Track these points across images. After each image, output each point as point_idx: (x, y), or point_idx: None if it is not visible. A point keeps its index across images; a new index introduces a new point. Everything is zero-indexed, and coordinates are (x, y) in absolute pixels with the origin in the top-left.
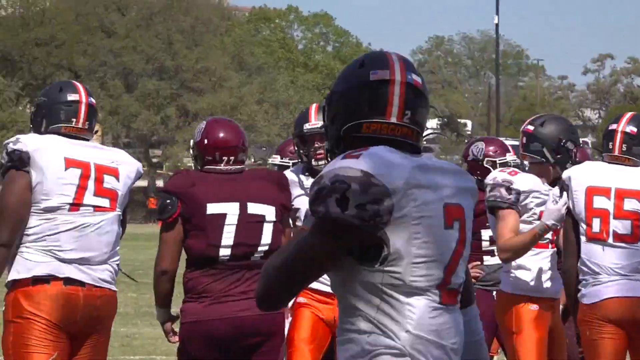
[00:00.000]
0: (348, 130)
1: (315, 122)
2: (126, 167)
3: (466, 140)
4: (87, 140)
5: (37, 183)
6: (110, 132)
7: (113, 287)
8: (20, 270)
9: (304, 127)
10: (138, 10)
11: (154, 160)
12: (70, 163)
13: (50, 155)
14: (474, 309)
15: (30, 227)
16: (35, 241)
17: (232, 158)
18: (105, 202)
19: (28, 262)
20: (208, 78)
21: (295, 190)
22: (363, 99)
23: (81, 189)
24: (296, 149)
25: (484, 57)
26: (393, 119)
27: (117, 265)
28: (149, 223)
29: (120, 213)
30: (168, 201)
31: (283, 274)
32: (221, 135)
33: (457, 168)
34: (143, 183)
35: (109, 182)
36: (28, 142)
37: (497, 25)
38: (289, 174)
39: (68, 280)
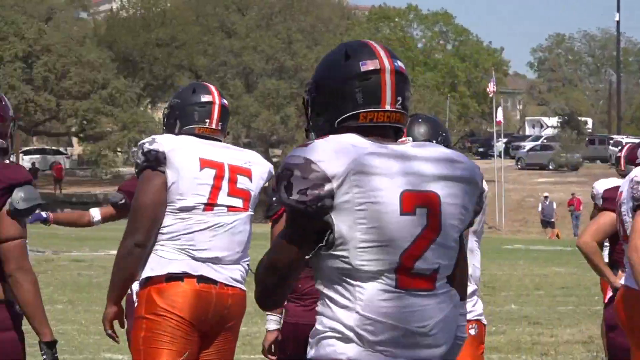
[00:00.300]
0: (342, 121)
1: None
2: (259, 168)
3: (587, 138)
4: (220, 141)
5: (172, 183)
6: (231, 132)
7: (243, 287)
8: (154, 267)
9: None
10: (258, 10)
11: (274, 159)
12: (205, 163)
13: (185, 155)
14: (463, 307)
15: (165, 226)
16: (170, 240)
17: None
18: (238, 203)
19: (162, 260)
20: None
21: None
22: (356, 90)
23: (215, 189)
24: None
25: (604, 54)
26: (387, 107)
27: (248, 265)
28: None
29: (252, 213)
30: (274, 199)
31: (271, 270)
32: None
33: (447, 157)
34: None
35: (242, 182)
36: (164, 142)
37: (618, 22)
38: None
39: (201, 278)
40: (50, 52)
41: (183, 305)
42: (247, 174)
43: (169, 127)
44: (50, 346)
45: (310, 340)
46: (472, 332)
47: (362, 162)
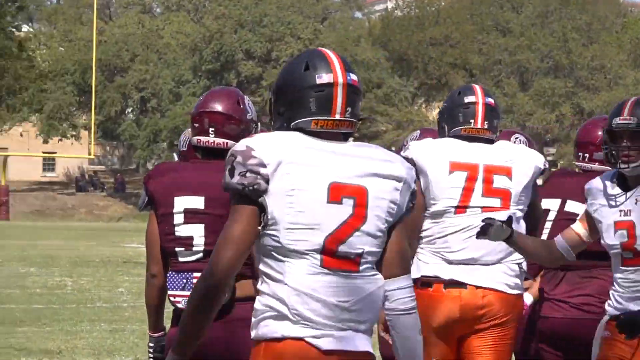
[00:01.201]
0: (298, 125)
1: (627, 117)
2: (522, 164)
3: None
4: (490, 140)
5: (424, 188)
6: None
7: (503, 287)
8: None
9: (614, 121)
10: (533, 9)
11: (549, 158)
12: (454, 167)
13: (434, 160)
14: (400, 281)
15: (423, 230)
16: (427, 243)
17: None
18: (495, 202)
19: (419, 262)
20: (603, 76)
21: (598, 199)
22: (310, 99)
23: (467, 191)
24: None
25: None
26: (337, 116)
27: (519, 264)
28: None
29: (516, 211)
30: None
31: (226, 243)
32: None
33: (383, 157)
34: None
35: (499, 181)
36: (414, 148)
37: None
38: (596, 180)
39: (450, 283)
40: None
41: (428, 312)
42: (507, 172)
43: (442, 132)
44: None
45: (252, 319)
46: None
47: (296, 154)
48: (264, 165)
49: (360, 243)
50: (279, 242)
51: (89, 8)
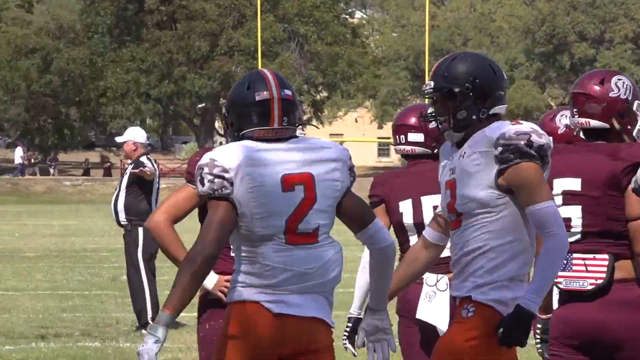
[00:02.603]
0: (246, 135)
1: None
2: None
3: None
4: None
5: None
6: None
7: None
8: None
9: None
10: None
11: None
12: None
13: None
14: (373, 226)
15: None
16: None
17: None
18: None
19: None
20: None
21: (442, 162)
22: (252, 114)
23: None
24: None
25: None
26: (275, 125)
27: None
28: None
29: None
30: None
31: (209, 226)
32: None
33: (317, 145)
34: None
35: None
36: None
37: None
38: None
39: None
40: None
41: None
42: None
43: None
44: None
45: (228, 289)
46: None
47: (251, 158)
48: (227, 171)
49: (315, 219)
50: (249, 230)
51: None
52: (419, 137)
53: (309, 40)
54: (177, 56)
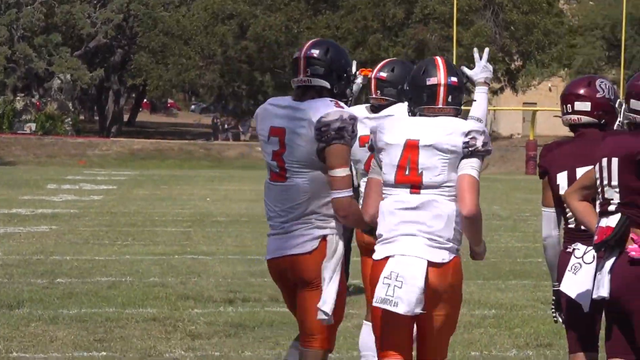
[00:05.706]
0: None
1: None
2: None
3: None
4: None
5: None
6: None
7: None
8: None
9: None
10: None
11: None
12: None
13: None
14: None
15: None
16: None
17: None
18: None
19: None
20: None
21: None
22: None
23: None
24: None
25: None
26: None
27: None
28: None
29: None
30: None
31: None
32: None
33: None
34: None
35: None
36: None
37: None
38: None
39: None
40: None
41: None
42: None
43: None
44: None
45: None
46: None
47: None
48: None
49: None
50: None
51: None
52: (585, 105)
53: (505, 9)
54: (372, 23)
